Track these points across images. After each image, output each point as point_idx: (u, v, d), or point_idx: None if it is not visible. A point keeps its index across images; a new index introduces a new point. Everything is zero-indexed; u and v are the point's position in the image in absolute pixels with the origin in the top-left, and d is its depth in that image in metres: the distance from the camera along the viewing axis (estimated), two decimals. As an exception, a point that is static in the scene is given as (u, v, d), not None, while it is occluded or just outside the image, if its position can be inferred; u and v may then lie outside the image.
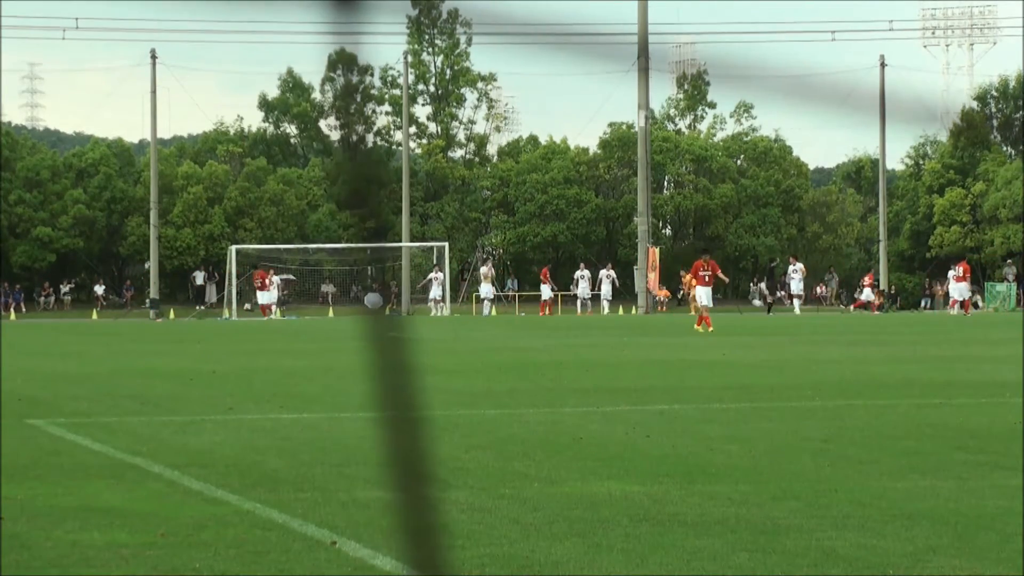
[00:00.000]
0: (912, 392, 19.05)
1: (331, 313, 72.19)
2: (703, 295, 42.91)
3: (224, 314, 70.06)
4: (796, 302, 68.37)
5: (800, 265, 70.52)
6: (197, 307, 79.40)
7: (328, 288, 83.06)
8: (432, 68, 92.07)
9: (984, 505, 9.58)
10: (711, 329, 40.14)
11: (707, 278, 43.10)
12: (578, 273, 73.67)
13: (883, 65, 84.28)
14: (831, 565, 7.75)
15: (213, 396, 18.93)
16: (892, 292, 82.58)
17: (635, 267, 75.26)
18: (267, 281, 67.25)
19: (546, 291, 70.58)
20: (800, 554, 8.00)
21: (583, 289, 72.22)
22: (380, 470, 10.28)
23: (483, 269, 72.55)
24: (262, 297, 67.16)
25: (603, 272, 72.91)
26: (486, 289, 70.75)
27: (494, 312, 69.48)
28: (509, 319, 62.85)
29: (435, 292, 71.62)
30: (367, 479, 10.71)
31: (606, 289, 71.80)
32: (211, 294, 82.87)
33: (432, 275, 73.10)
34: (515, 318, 64.60)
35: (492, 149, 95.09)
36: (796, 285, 69.26)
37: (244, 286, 72.13)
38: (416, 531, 1.97)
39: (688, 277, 71.71)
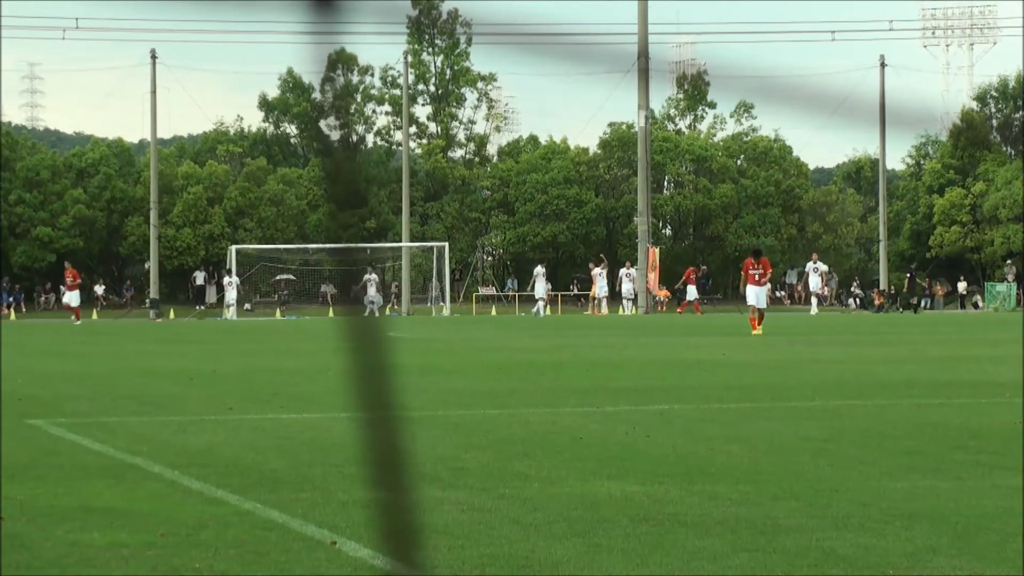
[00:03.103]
0: (912, 392, 19.03)
1: (331, 313, 72.15)
2: (753, 295, 40.05)
3: (224, 314, 70.07)
4: (814, 301, 68.47)
5: (822, 266, 70.88)
6: (197, 307, 79.39)
7: (328, 288, 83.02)
8: (432, 68, 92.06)
9: (984, 505, 9.58)
10: (755, 331, 38.26)
11: (758, 276, 39.93)
12: (623, 271, 73.11)
13: (883, 65, 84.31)
14: (831, 565, 7.74)
15: (213, 396, 18.92)
16: (892, 292, 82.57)
17: (635, 267, 75.23)
18: (76, 280, 61.76)
19: (692, 292, 69.88)
20: (800, 554, 7.99)
21: (627, 289, 71.61)
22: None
23: (538, 268, 71.51)
24: (71, 298, 61.30)
25: (623, 271, 72.73)
26: (541, 289, 69.59)
27: (547, 312, 67.92)
28: (509, 319, 62.80)
29: (371, 293, 71.05)
30: (367, 479, 10.70)
31: (627, 288, 71.51)
32: (211, 294, 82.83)
33: (366, 276, 72.67)
34: (515, 318, 64.54)
35: (492, 149, 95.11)
36: (815, 283, 69.46)
37: (244, 286, 72.11)
38: (396, 529, 1.98)
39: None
